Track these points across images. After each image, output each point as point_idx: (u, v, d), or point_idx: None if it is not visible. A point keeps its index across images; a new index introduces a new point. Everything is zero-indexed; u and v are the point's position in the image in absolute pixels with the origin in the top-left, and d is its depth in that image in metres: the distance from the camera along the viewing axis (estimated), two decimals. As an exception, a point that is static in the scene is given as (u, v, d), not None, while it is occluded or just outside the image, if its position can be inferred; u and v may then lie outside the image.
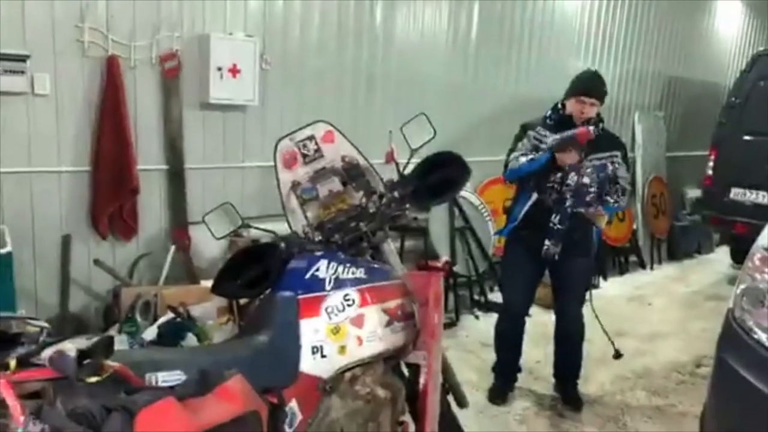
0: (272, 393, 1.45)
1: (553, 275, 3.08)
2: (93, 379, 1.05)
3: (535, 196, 2.89)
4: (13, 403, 1.01)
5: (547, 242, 2.85)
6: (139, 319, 2.89)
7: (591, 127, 2.76)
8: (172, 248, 3.34)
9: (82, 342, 1.07)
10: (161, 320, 2.79)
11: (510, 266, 3.16)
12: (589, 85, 2.88)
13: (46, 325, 1.15)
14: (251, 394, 1.12)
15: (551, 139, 2.81)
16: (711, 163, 5.67)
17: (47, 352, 1.06)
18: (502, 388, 3.20)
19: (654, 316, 4.72)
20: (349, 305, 1.75)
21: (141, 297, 2.97)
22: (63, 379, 1.07)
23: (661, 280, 5.79)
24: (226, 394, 1.06)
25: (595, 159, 2.82)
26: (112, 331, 2.84)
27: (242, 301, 2.68)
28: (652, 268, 6.12)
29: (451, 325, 4.17)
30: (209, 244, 3.35)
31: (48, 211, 3.01)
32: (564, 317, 3.09)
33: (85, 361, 1.05)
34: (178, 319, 2.78)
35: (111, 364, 1.10)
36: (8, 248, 2.59)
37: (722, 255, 6.63)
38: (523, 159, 2.84)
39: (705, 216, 5.91)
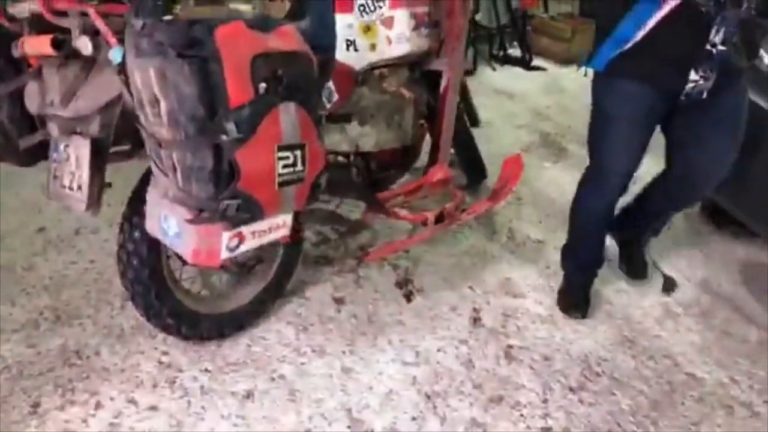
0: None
1: (681, 124, 1.89)
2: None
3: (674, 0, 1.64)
4: (103, 28, 1.18)
5: (693, 75, 1.72)
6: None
7: None
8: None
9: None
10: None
11: (611, 114, 1.87)
12: None
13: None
14: (304, 41, 1.29)
15: None
16: None
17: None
18: (578, 296, 2.13)
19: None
20: (380, 6, 1.87)
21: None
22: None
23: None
24: (285, 34, 1.22)
25: None
26: None
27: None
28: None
29: (468, 73, 4.29)
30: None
31: None
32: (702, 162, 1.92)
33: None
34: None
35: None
36: None
37: None
38: None
39: None
